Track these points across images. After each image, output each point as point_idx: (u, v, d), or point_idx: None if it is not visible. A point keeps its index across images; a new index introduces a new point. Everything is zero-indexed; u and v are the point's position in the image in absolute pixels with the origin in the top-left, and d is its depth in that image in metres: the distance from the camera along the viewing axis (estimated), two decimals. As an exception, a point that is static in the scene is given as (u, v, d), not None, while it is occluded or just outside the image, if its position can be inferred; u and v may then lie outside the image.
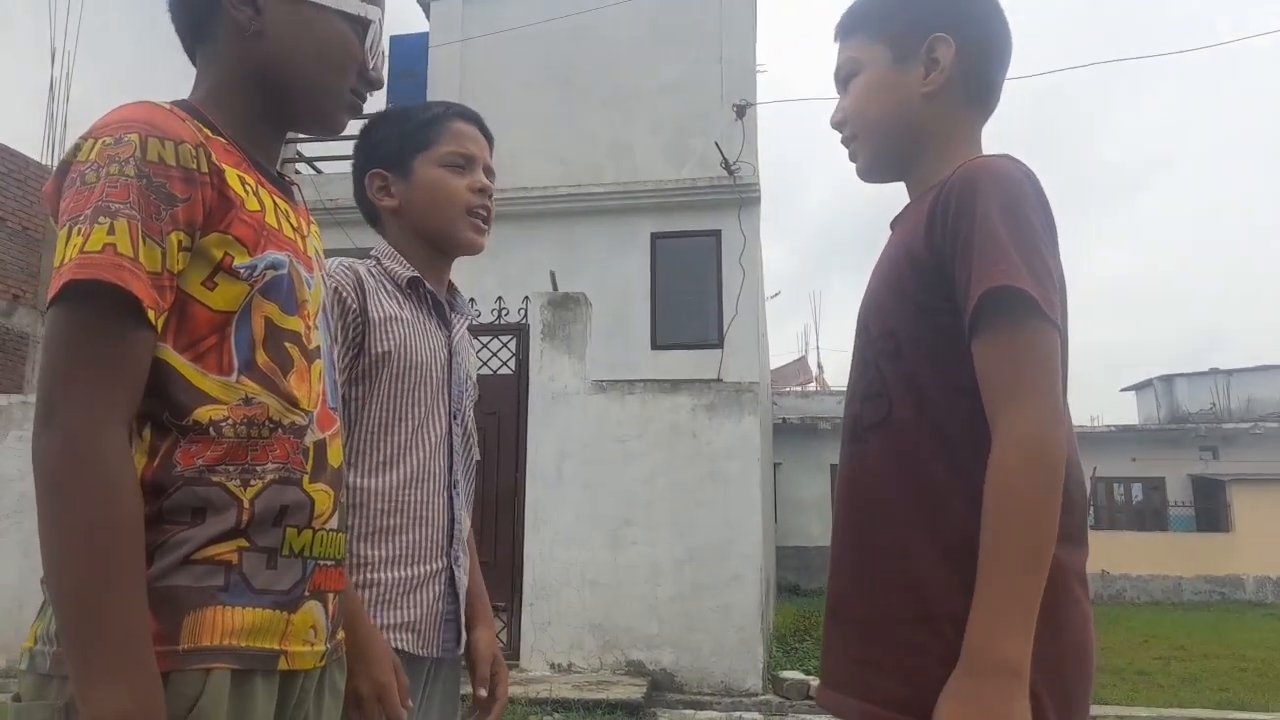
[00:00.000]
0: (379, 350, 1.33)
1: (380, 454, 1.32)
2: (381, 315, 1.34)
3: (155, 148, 0.84)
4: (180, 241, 0.84)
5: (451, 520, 1.38)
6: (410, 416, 1.35)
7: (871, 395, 1.09)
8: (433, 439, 1.37)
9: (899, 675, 0.99)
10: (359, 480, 1.30)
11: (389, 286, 1.39)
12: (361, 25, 1.03)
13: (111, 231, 0.80)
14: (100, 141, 0.84)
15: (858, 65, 1.19)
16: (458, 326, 1.49)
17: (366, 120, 1.55)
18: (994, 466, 0.93)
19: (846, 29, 1.22)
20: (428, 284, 1.43)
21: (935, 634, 0.96)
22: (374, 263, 1.43)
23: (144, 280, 0.81)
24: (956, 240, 1.00)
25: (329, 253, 1.34)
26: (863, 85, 1.18)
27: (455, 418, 1.42)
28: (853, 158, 1.23)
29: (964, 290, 0.97)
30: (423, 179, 1.43)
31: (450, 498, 1.39)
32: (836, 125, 1.23)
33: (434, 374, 1.39)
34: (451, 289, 1.53)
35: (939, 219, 1.02)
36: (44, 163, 9.38)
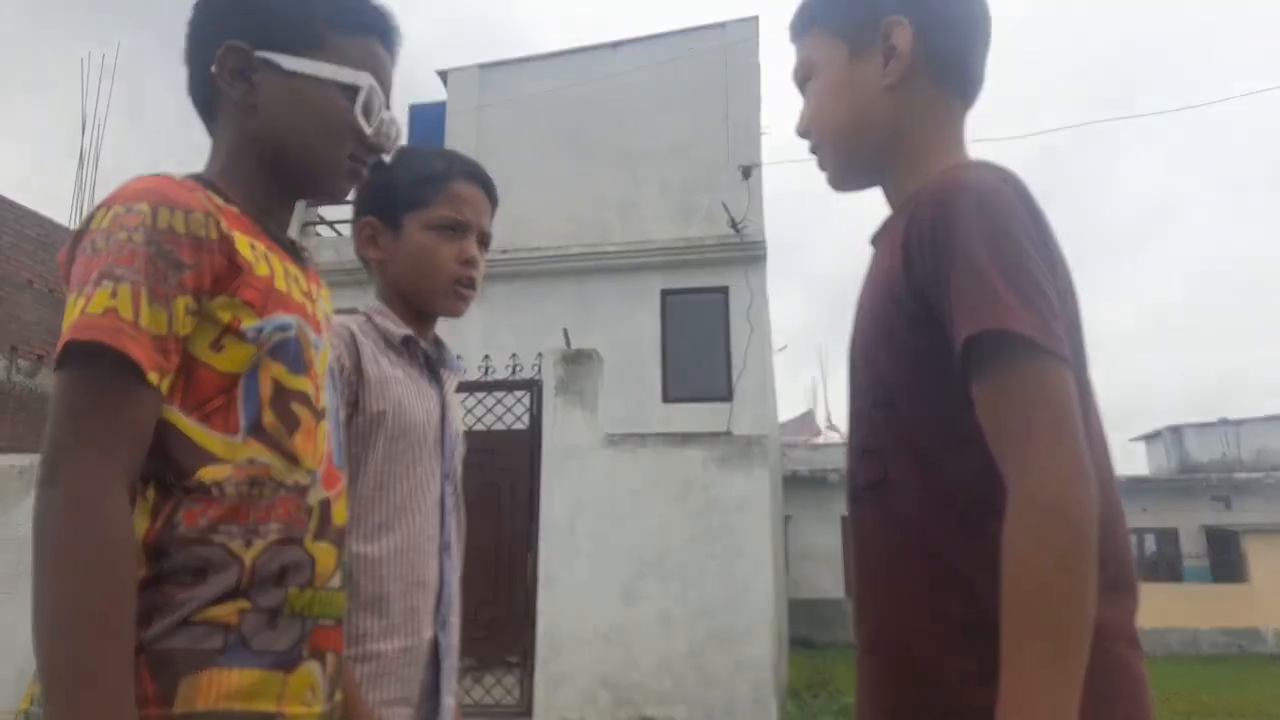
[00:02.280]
0: (375, 410, 1.30)
1: (377, 517, 1.28)
2: (377, 374, 1.31)
3: (165, 216, 0.86)
4: (187, 306, 0.86)
5: (442, 585, 1.35)
6: (406, 477, 1.32)
7: (868, 450, 0.98)
8: (428, 501, 1.34)
9: None
10: (355, 546, 1.25)
11: (382, 344, 1.36)
12: (352, 92, 1.03)
13: (114, 295, 0.81)
14: (112, 211, 0.87)
15: (813, 66, 1.10)
16: (448, 383, 1.46)
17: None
18: (1007, 534, 0.80)
19: (799, 27, 1.12)
20: (422, 343, 1.41)
21: None
22: (365, 319, 1.38)
23: (145, 344, 0.82)
24: (937, 277, 0.88)
25: (351, 312, 1.36)
26: (821, 86, 1.08)
27: (447, 478, 1.39)
28: (821, 166, 1.12)
29: (953, 335, 0.86)
30: (410, 240, 1.39)
31: (441, 562, 1.35)
32: (801, 134, 1.13)
33: (428, 433, 1.36)
34: (438, 343, 1.48)
35: (916, 253, 0.91)
36: (72, 228, 9.66)
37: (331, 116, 1.02)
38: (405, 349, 1.39)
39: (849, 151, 1.08)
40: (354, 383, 1.29)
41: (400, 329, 1.38)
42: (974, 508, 0.86)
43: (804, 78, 1.11)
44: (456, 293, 1.42)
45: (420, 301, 1.43)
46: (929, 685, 0.88)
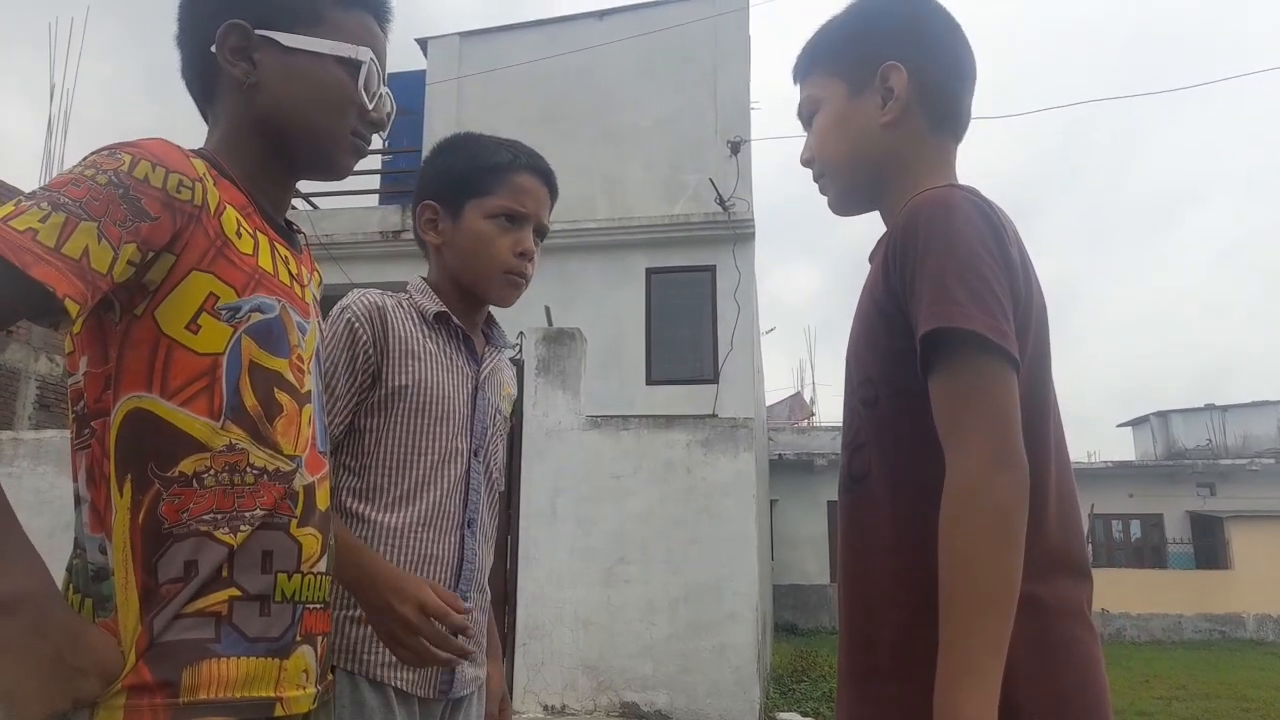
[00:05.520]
0: (396, 383, 1.34)
1: (398, 489, 1.32)
2: (402, 349, 1.35)
3: (145, 168, 0.85)
4: (130, 257, 0.83)
5: (461, 560, 1.37)
6: (429, 451, 1.35)
7: (857, 446, 1.08)
8: (451, 476, 1.37)
9: None
10: (373, 514, 1.30)
11: (415, 319, 1.41)
12: (353, 67, 1.04)
13: (44, 220, 0.78)
14: (99, 153, 0.87)
15: (816, 102, 1.20)
16: (488, 360, 1.49)
17: (444, 140, 1.54)
18: (940, 516, 0.91)
19: (803, 67, 1.23)
20: (456, 319, 1.44)
21: (917, 691, 0.93)
22: (405, 295, 1.44)
23: (60, 268, 0.77)
24: (904, 282, 0.99)
25: (325, 288, 1.33)
26: (824, 121, 1.19)
27: (477, 454, 1.42)
28: (823, 192, 1.24)
29: (915, 335, 0.96)
30: (469, 227, 1.43)
31: (462, 538, 1.38)
32: (805, 163, 1.24)
33: (456, 408, 1.39)
34: (490, 322, 1.55)
35: (892, 263, 1.02)
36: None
37: (334, 91, 1.03)
38: (440, 325, 1.43)
39: (849, 181, 1.19)
40: (376, 356, 1.33)
41: (435, 306, 1.43)
42: (935, 505, 0.93)
43: (809, 114, 1.22)
44: (509, 281, 1.45)
45: (472, 288, 1.47)
46: (897, 652, 0.98)
